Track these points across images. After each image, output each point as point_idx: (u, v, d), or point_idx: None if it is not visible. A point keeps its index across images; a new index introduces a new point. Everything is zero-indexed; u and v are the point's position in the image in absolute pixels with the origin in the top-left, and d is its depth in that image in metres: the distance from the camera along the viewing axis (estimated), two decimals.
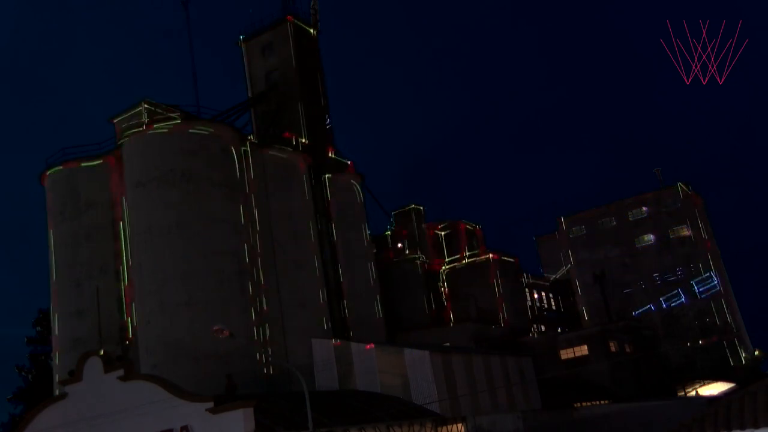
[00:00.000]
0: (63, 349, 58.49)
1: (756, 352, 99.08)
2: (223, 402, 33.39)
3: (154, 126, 58.56)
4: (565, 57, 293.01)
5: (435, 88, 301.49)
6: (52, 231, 62.51)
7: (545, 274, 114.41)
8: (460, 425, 47.63)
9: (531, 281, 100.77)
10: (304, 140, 72.83)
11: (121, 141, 60.23)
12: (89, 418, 36.85)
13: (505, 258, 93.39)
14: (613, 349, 71.66)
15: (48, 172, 63.53)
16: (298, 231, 64.20)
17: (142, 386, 35.92)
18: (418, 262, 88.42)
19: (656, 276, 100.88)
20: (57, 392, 51.61)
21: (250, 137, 65.78)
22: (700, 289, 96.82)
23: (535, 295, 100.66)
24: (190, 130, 58.21)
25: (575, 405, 63.07)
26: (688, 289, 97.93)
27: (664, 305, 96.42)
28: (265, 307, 58.91)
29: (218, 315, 51.83)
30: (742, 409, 18.84)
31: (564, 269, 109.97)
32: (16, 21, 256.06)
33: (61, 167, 62.79)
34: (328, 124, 78.42)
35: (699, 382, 78.12)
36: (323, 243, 68.27)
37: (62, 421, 37.95)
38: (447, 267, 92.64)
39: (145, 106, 63.95)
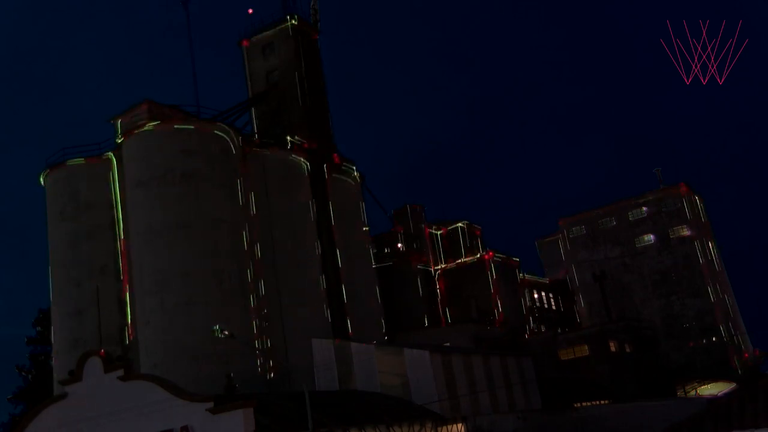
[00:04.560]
0: (63, 349, 58.46)
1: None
2: (223, 402, 33.37)
3: (154, 126, 58.57)
4: (564, 57, 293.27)
5: (435, 88, 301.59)
6: (51, 231, 62.46)
7: (545, 275, 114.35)
8: (460, 425, 47.65)
9: (531, 281, 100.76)
10: (304, 140, 72.78)
11: (121, 141, 60.21)
12: (89, 418, 36.82)
13: (505, 258, 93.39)
14: (613, 349, 71.67)
15: (48, 172, 63.50)
16: (298, 231, 64.16)
17: (142, 386, 35.90)
18: (418, 262, 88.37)
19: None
20: (57, 392, 51.58)
21: (251, 137, 65.65)
22: None
23: (535, 295, 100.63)
24: (191, 130, 58.21)
25: (575, 405, 63.03)
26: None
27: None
28: (264, 308, 58.87)
29: (218, 315, 51.87)
30: (742, 409, 18.86)
31: (564, 274, 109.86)
32: (15, 20, 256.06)
33: (61, 167, 62.76)
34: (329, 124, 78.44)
35: (699, 382, 78.10)
36: (323, 243, 68.22)
37: (62, 421, 37.91)
38: (447, 267, 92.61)
39: (146, 106, 63.87)
